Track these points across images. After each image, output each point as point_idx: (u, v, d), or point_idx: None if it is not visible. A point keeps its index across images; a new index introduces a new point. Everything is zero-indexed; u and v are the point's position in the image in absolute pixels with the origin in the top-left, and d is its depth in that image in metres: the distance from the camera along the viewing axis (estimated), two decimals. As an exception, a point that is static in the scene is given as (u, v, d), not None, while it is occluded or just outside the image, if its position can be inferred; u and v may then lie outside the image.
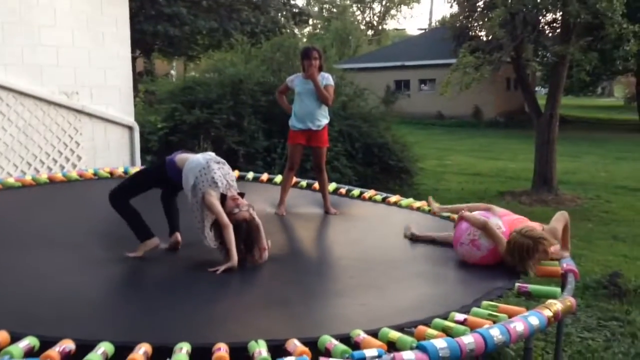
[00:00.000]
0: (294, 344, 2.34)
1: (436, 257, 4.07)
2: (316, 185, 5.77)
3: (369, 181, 8.75)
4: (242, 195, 3.68)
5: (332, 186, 5.93)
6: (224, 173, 3.67)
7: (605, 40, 10.50)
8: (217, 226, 3.56)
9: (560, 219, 3.76)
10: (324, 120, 5.19)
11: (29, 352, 2.27)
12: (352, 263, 3.79)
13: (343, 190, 5.90)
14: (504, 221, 3.72)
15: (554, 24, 11.50)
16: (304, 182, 6.03)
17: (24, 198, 5.14)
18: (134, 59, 10.01)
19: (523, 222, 3.76)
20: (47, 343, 2.29)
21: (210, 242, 3.66)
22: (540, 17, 10.56)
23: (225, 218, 3.49)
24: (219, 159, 3.75)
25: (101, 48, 7.03)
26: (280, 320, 2.81)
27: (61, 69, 6.65)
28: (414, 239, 4.28)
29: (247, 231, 3.57)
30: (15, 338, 2.32)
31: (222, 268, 3.41)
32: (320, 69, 5.07)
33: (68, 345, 2.28)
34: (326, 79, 5.06)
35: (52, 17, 6.51)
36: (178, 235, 3.91)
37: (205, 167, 3.61)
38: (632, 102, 40.72)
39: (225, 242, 3.50)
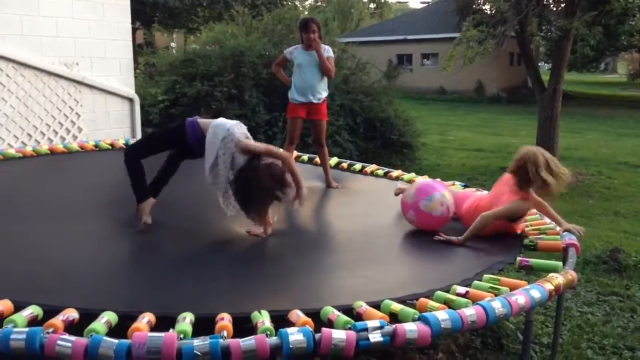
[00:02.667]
0: (297, 315, 2.35)
1: (438, 231, 4.08)
2: (317, 159, 5.75)
3: (371, 156, 8.72)
4: None
5: (333, 160, 5.91)
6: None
7: (610, 15, 10.39)
8: (242, 177, 3.40)
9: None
10: (324, 93, 5.16)
11: (33, 321, 2.28)
12: (354, 236, 3.80)
13: (345, 165, 5.88)
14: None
15: (559, -2, 11.37)
16: (305, 157, 6.02)
17: (25, 169, 5.14)
18: (133, 31, 9.87)
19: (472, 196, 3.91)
20: (50, 312, 2.30)
21: (231, 210, 3.61)
22: (545, -9, 10.43)
23: (279, 150, 3.57)
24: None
25: (101, 19, 6.96)
26: (283, 292, 2.82)
27: (61, 40, 6.59)
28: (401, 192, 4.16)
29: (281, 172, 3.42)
30: (18, 307, 2.33)
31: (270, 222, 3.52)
32: (320, 40, 5.00)
33: (71, 314, 2.29)
34: (327, 50, 5.01)
35: (51, -13, 6.43)
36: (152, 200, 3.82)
37: (236, 124, 3.64)
38: (635, 78, 40.60)
39: (292, 174, 3.44)
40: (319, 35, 4.98)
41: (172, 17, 19.73)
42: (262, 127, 8.61)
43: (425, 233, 3.85)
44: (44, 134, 6.50)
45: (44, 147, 5.78)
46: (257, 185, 3.33)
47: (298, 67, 5.08)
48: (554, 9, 11.65)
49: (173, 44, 26.15)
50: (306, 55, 5.02)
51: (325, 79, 5.11)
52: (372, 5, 48.02)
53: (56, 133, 6.60)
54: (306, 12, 37.39)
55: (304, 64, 5.03)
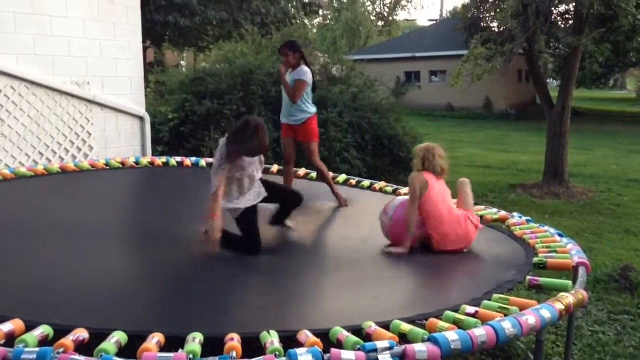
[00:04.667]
0: (306, 335, 2.34)
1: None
2: (300, 172, 5.99)
3: (379, 173, 8.74)
4: None
5: (342, 177, 5.93)
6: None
7: (618, 32, 10.39)
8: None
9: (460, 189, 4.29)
10: (302, 115, 5.08)
11: (43, 341, 2.29)
12: (362, 255, 3.79)
13: (353, 182, 5.90)
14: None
15: (567, 15, 11.39)
16: (313, 174, 6.03)
17: (37, 187, 5.18)
18: (144, 49, 10.02)
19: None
20: (61, 331, 2.32)
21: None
22: (553, 8, 10.45)
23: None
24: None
25: (112, 38, 7.05)
26: (292, 311, 2.82)
27: (72, 59, 6.67)
28: None
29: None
30: (29, 326, 2.35)
31: None
32: (301, 64, 5.01)
33: (82, 333, 2.30)
34: (296, 73, 4.98)
35: (64, 7, 6.52)
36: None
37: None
38: (644, 94, 40.44)
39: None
40: (294, 58, 4.98)
41: (182, 36, 19.90)
42: (271, 145, 8.65)
43: (433, 252, 3.85)
44: (55, 152, 6.55)
45: (55, 165, 5.83)
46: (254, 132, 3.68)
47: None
48: (562, 25, 11.67)
49: (183, 62, 26.39)
50: (287, 76, 5.10)
51: (304, 100, 5.05)
52: (380, 23, 48.29)
53: (67, 151, 6.66)
54: (314, 30, 37.67)
55: (282, 86, 5.12)
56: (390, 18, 50.16)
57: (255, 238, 3.74)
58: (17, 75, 6.14)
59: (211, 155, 6.94)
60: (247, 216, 3.81)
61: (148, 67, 16.00)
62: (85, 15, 6.73)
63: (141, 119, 7.47)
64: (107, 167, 6.03)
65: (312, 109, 5.19)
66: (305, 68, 5.04)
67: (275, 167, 6.31)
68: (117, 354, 2.15)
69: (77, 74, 6.72)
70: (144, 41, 8.70)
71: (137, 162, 6.25)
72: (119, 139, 7.25)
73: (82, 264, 3.36)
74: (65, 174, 5.67)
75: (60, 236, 3.78)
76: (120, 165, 6.12)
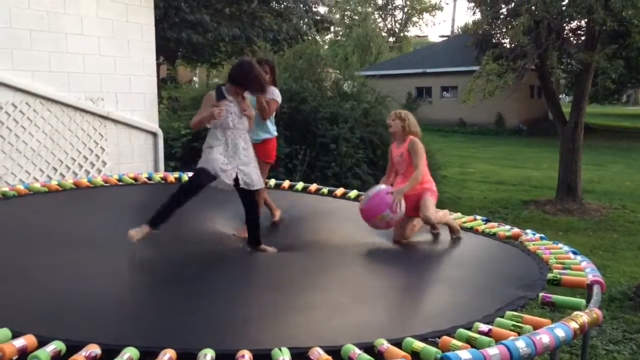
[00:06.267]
0: (318, 353, 2.33)
1: (456, 263, 4.08)
2: (311, 187, 5.94)
3: (390, 189, 8.71)
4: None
5: (353, 193, 5.93)
6: None
7: (631, 48, 10.38)
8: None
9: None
10: (264, 135, 4.90)
11: (56, 357, 2.29)
12: (375, 269, 3.79)
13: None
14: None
15: (579, 32, 11.38)
16: (325, 189, 6.04)
17: (50, 203, 5.22)
18: (157, 66, 10.09)
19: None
20: (73, 347, 2.32)
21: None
22: (565, 25, 10.46)
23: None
24: None
25: (126, 55, 7.14)
26: (304, 327, 2.80)
27: (87, 76, 6.76)
28: None
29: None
30: (42, 342, 2.35)
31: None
32: (273, 84, 4.86)
33: (94, 350, 2.30)
34: (271, 93, 4.78)
35: (79, 26, 6.63)
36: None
37: None
38: (658, 110, 40.16)
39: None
40: (271, 78, 4.84)
41: (195, 53, 20.09)
42: (283, 160, 8.68)
43: (443, 265, 3.83)
44: (69, 168, 6.62)
45: (69, 181, 5.88)
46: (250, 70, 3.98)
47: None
48: (574, 42, 11.67)
49: (196, 79, 26.64)
50: (251, 96, 4.97)
51: (268, 121, 4.89)
52: (391, 39, 48.52)
53: (81, 167, 6.72)
54: (326, 47, 37.89)
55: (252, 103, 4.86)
56: (402, 34, 50.40)
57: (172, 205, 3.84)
58: (32, 91, 6.23)
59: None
60: (201, 177, 3.91)
61: (161, 83, 16.17)
62: (100, 33, 6.83)
63: (154, 134, 7.54)
64: (121, 183, 6.07)
65: (275, 131, 5.07)
66: (275, 89, 4.91)
67: (287, 183, 6.31)
68: (129, 371, 2.15)
69: (91, 91, 6.81)
70: (157, 58, 8.78)
71: (150, 178, 6.29)
72: (133, 155, 7.31)
73: (95, 280, 3.37)
74: (78, 189, 5.72)
75: (73, 252, 3.80)
76: (134, 181, 6.16)
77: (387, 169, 4.88)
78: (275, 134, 5.07)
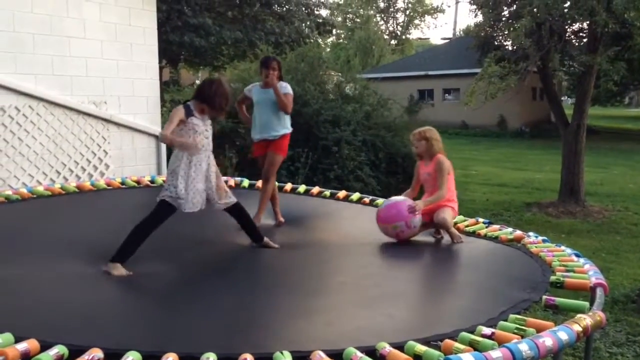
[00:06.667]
0: (319, 356, 2.33)
1: (459, 266, 4.09)
2: (313, 190, 5.96)
3: (393, 191, 8.70)
4: None
5: (355, 196, 5.93)
6: None
7: (633, 50, 10.36)
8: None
9: None
10: (282, 130, 5.03)
11: (59, 361, 2.30)
12: (377, 271, 3.79)
13: (367, 200, 5.88)
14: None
15: (581, 34, 11.38)
16: (327, 192, 6.04)
17: (54, 206, 5.23)
18: (160, 69, 10.14)
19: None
20: (76, 352, 2.33)
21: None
22: (567, 27, 10.45)
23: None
24: None
25: (129, 59, 7.15)
26: (305, 331, 2.80)
27: (90, 79, 6.77)
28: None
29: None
30: (45, 347, 2.36)
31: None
32: (280, 79, 4.97)
33: (97, 354, 2.31)
34: (284, 87, 4.94)
35: (82, 29, 6.64)
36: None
37: None
38: (661, 112, 40.10)
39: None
40: (279, 75, 4.95)
41: (197, 56, 20.12)
42: (285, 163, 8.68)
43: (446, 268, 3.82)
44: (72, 171, 6.63)
45: (72, 184, 5.89)
46: (218, 88, 3.91)
47: (256, 104, 5.04)
48: (576, 44, 11.66)
49: (198, 82, 26.67)
50: (262, 93, 4.99)
51: (284, 116, 5.02)
52: (393, 42, 48.53)
53: (84, 170, 6.73)
54: (328, 50, 37.89)
55: (261, 101, 4.99)
56: (404, 37, 50.41)
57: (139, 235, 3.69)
58: (35, 95, 6.25)
59: (225, 174, 6.99)
60: (163, 209, 3.76)
61: (164, 86, 16.21)
62: (103, 36, 6.85)
63: (157, 138, 7.54)
64: (124, 186, 6.08)
65: (290, 126, 5.16)
66: (285, 82, 5.05)
67: (289, 186, 6.31)
68: (132, 374, 2.15)
69: (94, 94, 6.82)
70: (159, 61, 8.81)
71: (152, 181, 6.30)
72: (135, 158, 7.32)
73: (98, 284, 3.38)
74: (81, 193, 5.73)
75: (76, 256, 3.81)
76: (136, 184, 6.17)
77: (412, 183, 4.96)
78: (291, 129, 5.16)
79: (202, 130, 3.88)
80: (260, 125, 5.02)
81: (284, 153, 5.11)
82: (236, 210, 4.15)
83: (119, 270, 3.54)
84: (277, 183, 6.33)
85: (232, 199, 4.08)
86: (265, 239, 4.26)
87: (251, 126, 5.15)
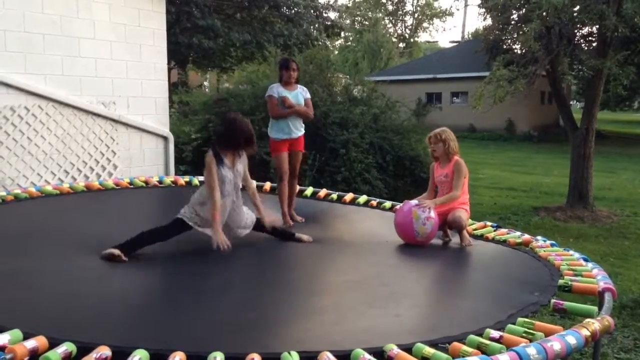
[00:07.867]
0: (327, 357, 2.33)
1: (467, 268, 4.07)
2: (321, 193, 6.00)
3: (400, 194, 8.71)
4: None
5: (363, 198, 5.92)
6: None
7: (643, 54, 10.30)
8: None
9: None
10: (303, 130, 5.27)
11: (67, 358, 2.31)
12: (385, 272, 3.78)
13: (374, 202, 5.88)
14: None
15: (590, 38, 11.34)
16: (334, 195, 6.04)
17: (62, 205, 5.25)
18: (168, 70, 10.16)
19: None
20: (84, 349, 2.33)
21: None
22: (576, 31, 10.42)
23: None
24: None
25: (138, 60, 7.19)
26: (313, 331, 2.80)
27: (99, 80, 6.81)
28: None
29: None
30: (53, 344, 2.37)
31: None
32: (296, 82, 5.15)
33: (104, 352, 2.31)
34: (304, 92, 5.17)
35: (92, 30, 6.68)
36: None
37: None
38: (670, 117, 39.85)
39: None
40: (297, 75, 5.14)
41: (206, 57, 20.21)
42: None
43: (454, 269, 3.81)
44: (80, 171, 6.66)
45: (80, 184, 5.91)
46: (238, 127, 4.04)
47: (281, 104, 5.10)
48: (586, 48, 11.62)
49: (206, 83, 26.76)
50: (287, 94, 5.09)
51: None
52: (401, 45, 48.52)
53: (92, 170, 6.76)
54: (336, 52, 37.92)
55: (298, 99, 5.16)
56: (412, 40, 50.39)
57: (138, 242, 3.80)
58: (45, 95, 6.29)
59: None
60: (178, 227, 3.93)
61: (172, 87, 16.26)
62: (112, 37, 6.88)
63: (165, 138, 7.58)
64: (131, 186, 6.10)
65: None
66: (301, 86, 5.26)
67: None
68: (139, 373, 2.15)
69: (103, 95, 6.86)
70: (168, 62, 8.84)
71: (160, 182, 6.32)
72: (143, 158, 7.35)
73: (106, 282, 3.39)
74: (90, 192, 5.75)
75: (84, 254, 3.82)
76: (144, 185, 6.19)
77: (428, 185, 4.97)
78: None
79: (230, 179, 4.03)
80: (286, 124, 5.12)
81: (303, 149, 5.36)
82: (269, 232, 4.38)
83: (115, 252, 3.68)
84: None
85: (252, 219, 4.28)
86: (297, 235, 4.49)
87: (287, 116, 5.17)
